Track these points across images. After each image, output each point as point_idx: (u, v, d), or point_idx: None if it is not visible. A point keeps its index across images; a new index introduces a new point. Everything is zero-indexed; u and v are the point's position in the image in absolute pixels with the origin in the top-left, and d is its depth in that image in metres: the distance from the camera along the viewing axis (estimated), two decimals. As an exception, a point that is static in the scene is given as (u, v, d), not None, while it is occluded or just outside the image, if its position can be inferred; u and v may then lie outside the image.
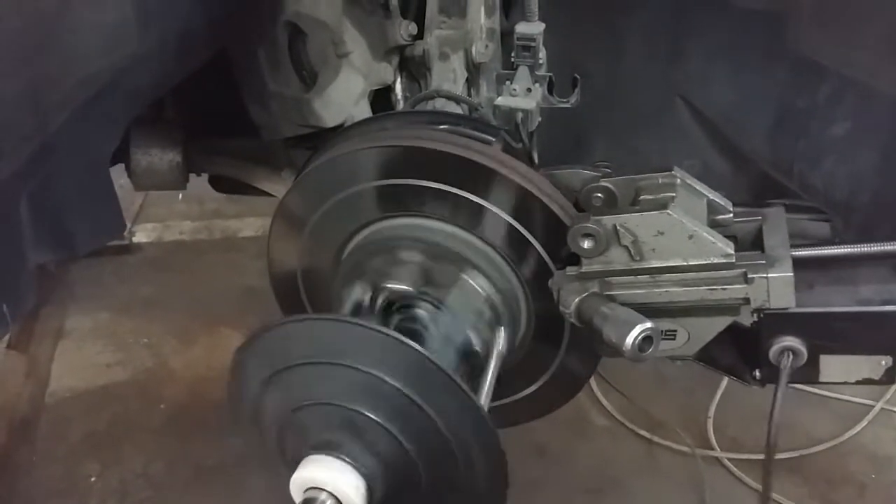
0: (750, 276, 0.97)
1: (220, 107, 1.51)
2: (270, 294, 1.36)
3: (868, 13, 1.19)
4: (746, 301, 0.98)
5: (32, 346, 2.37)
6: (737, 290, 0.97)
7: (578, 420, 2.16)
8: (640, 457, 2.07)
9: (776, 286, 0.97)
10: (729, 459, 2.02)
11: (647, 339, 0.89)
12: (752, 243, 1.06)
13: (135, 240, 2.94)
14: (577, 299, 0.98)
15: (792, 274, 0.98)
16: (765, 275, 0.98)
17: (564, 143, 1.57)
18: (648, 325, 0.90)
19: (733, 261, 0.98)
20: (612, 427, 2.16)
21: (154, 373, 2.33)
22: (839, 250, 1.04)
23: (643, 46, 1.54)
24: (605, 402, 2.22)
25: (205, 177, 1.76)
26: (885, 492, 1.97)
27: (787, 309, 0.99)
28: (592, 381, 2.27)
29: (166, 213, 3.09)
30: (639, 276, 1.00)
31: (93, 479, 1.99)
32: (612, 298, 0.99)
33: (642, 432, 2.12)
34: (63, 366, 2.35)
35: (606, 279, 1.01)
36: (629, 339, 0.89)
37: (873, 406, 2.18)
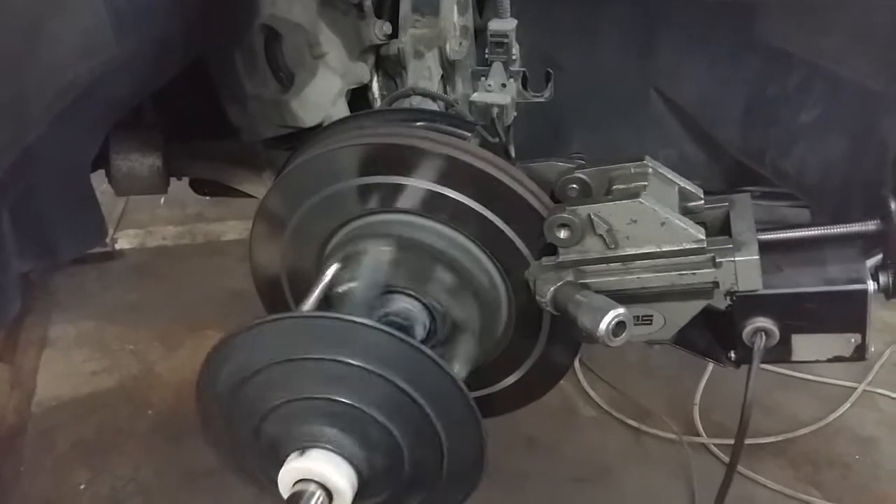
0: (718, 260, 1.00)
1: (199, 110, 1.52)
2: (255, 297, 1.36)
3: (835, 1, 1.22)
4: (716, 284, 1.01)
5: (17, 356, 2.36)
6: (706, 275, 1.00)
7: (566, 411, 2.18)
8: (627, 445, 2.09)
9: (743, 269, 1.00)
10: (716, 445, 2.04)
11: (619, 325, 0.91)
12: (720, 229, 1.09)
13: (117, 246, 2.93)
14: (552, 288, 1.00)
15: (758, 257, 1.00)
16: (732, 258, 1.00)
17: (543, 136, 1.59)
18: (621, 310, 0.91)
19: (704, 246, 1.00)
20: (600, 417, 2.18)
21: (140, 379, 2.32)
22: (804, 233, 1.06)
23: (616, 40, 1.56)
24: (592, 392, 2.24)
25: (186, 181, 1.77)
26: (869, 472, 2.01)
27: (756, 291, 1.01)
28: (579, 372, 2.29)
29: (148, 218, 3.08)
30: (611, 264, 1.02)
31: (82, 486, 1.98)
32: (586, 286, 1.01)
33: (630, 421, 2.14)
34: (48, 374, 2.34)
35: (581, 268, 1.03)
36: (602, 325, 0.91)
37: (856, 388, 2.21)
